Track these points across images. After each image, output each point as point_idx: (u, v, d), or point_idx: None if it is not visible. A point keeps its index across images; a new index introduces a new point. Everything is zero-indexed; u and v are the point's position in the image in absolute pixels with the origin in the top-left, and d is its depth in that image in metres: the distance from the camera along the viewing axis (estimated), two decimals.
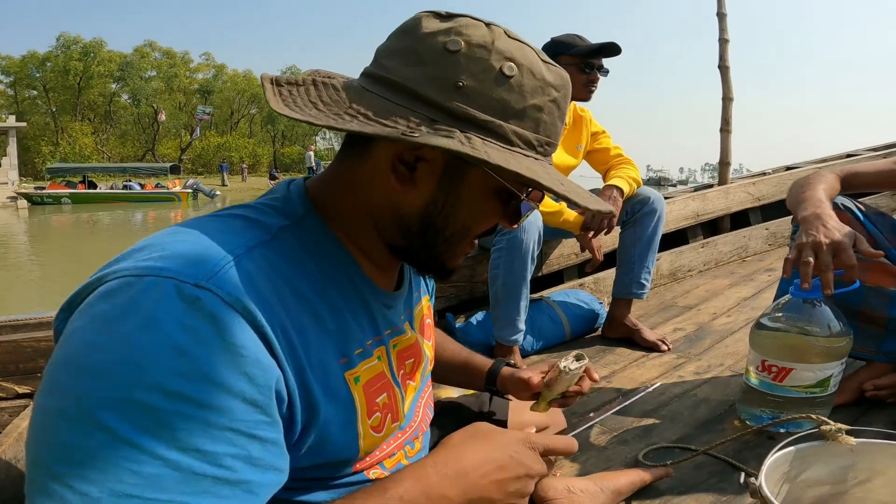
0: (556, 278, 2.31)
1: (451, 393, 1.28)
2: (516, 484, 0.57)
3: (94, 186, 23.80)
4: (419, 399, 0.73)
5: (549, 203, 1.78)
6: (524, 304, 1.70)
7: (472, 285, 2.01)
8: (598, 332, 2.02)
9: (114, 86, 45.54)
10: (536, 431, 0.65)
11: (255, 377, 0.45)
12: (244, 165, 37.67)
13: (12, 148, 23.74)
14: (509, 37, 0.56)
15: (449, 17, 0.56)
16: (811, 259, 1.04)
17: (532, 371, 0.92)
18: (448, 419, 0.86)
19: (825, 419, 0.77)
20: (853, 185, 1.34)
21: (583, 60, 1.79)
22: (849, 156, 3.58)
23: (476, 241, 0.63)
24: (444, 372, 0.99)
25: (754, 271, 2.68)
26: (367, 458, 0.62)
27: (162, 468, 0.41)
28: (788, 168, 3.42)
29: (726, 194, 2.91)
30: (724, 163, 3.07)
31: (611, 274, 2.07)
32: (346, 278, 0.59)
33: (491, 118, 0.54)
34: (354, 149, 0.59)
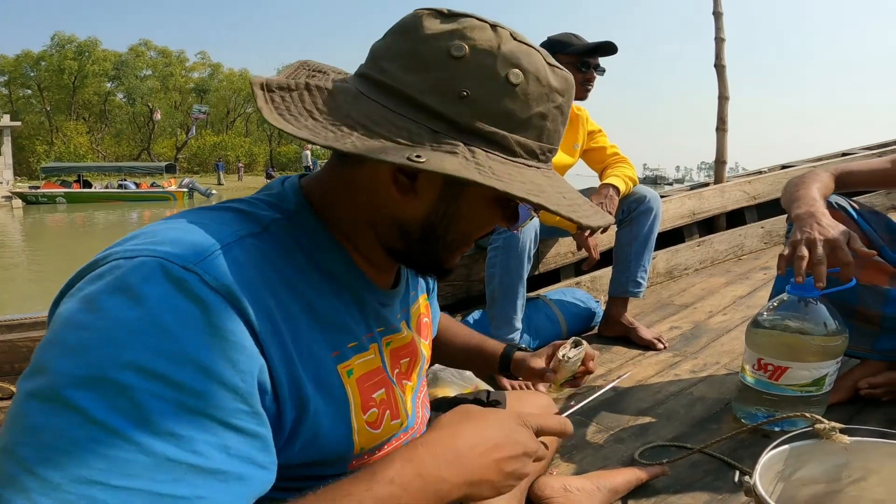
0: (553, 277, 2.31)
1: (448, 391, 1.28)
2: (514, 464, 0.55)
3: (89, 186, 23.70)
4: (416, 399, 0.73)
5: None
6: (521, 303, 1.70)
7: (468, 284, 2.01)
8: (595, 330, 2.02)
9: (109, 85, 45.43)
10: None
11: (238, 363, 0.44)
12: (240, 164, 37.55)
13: (7, 147, 23.64)
14: (516, 40, 0.53)
15: (452, 16, 0.53)
16: (805, 254, 1.05)
17: (539, 357, 0.94)
18: None
19: (819, 418, 0.78)
20: (848, 184, 1.34)
21: (579, 59, 1.79)
22: (844, 154, 3.60)
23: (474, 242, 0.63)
24: (456, 355, 1.00)
25: (750, 270, 2.68)
26: (367, 458, 0.60)
27: (133, 452, 0.39)
28: (784, 167, 3.43)
29: (722, 193, 2.92)
30: (720, 161, 3.08)
31: (607, 272, 2.07)
32: (340, 273, 0.58)
33: (495, 129, 0.52)
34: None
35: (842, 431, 0.76)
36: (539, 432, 0.58)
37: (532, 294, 1.99)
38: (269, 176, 32.13)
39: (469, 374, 1.32)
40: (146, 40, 47.76)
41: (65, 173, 25.15)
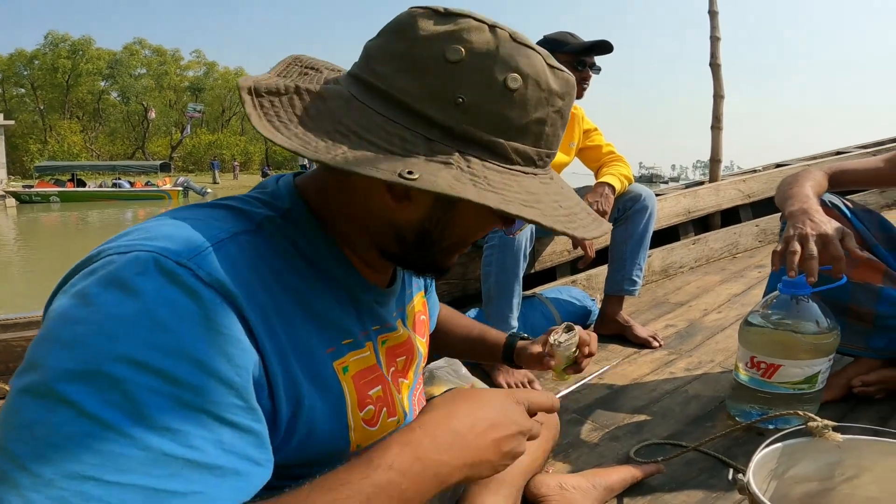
0: (549, 275, 2.32)
1: (444, 389, 1.28)
2: (511, 442, 0.55)
3: (83, 185, 23.60)
4: (413, 396, 0.73)
5: None
6: (517, 301, 1.70)
7: (464, 282, 2.01)
8: (591, 328, 2.03)
9: (103, 83, 45.26)
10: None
11: (233, 357, 0.44)
12: (236, 163, 37.45)
13: (0, 146, 23.47)
14: (515, 41, 0.51)
15: (448, 16, 0.51)
16: (797, 249, 1.06)
17: (537, 344, 0.96)
18: None
19: (812, 416, 0.78)
20: (841, 183, 1.35)
21: (575, 58, 1.79)
22: (838, 153, 3.61)
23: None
24: (458, 345, 1.01)
25: (744, 268, 2.69)
26: None
27: (128, 447, 0.38)
28: (778, 165, 3.44)
29: (717, 191, 2.93)
30: (714, 160, 3.09)
31: (603, 271, 2.07)
32: (335, 271, 0.58)
33: (492, 137, 0.51)
34: None
35: (835, 429, 0.76)
36: (530, 410, 0.58)
37: (528, 292, 2.00)
38: (264, 174, 32.05)
39: (465, 372, 1.32)
40: (140, 39, 47.65)
41: (59, 172, 25.04)
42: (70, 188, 22.50)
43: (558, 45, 1.79)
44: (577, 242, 1.81)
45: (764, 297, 1.26)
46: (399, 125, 0.50)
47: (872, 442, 0.79)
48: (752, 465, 0.72)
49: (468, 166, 0.49)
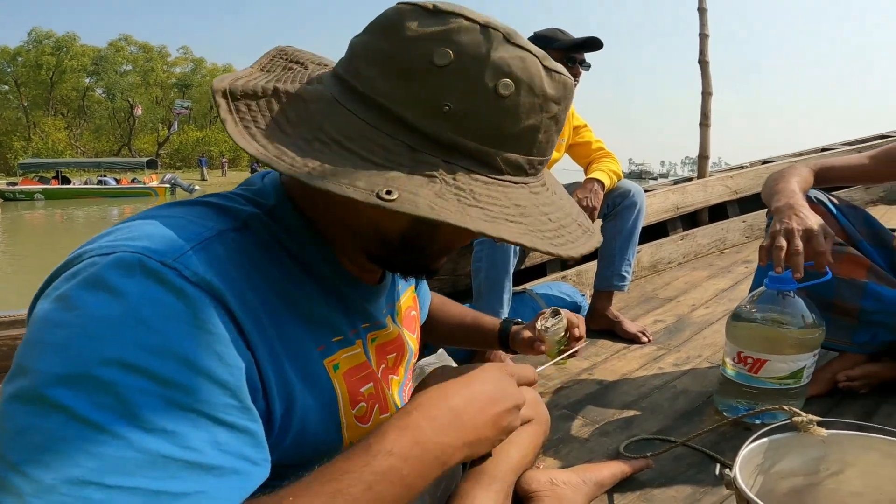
0: (539, 271, 2.32)
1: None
2: (508, 417, 0.54)
3: (68, 182, 23.33)
4: (402, 393, 0.73)
5: None
6: (507, 297, 1.71)
7: (454, 278, 2.01)
8: None
9: (87, 80, 44.65)
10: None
11: (224, 356, 0.43)
12: (224, 160, 37.10)
13: None
14: (509, 43, 0.48)
15: (437, 14, 0.48)
16: (783, 244, 1.07)
17: (529, 329, 0.98)
18: None
19: (797, 411, 0.79)
20: (827, 179, 1.36)
21: (565, 55, 1.80)
22: (824, 150, 3.65)
23: None
24: (453, 333, 1.01)
25: (732, 263, 2.72)
26: None
27: (125, 450, 0.38)
28: (765, 162, 3.48)
29: (705, 187, 2.95)
30: (702, 156, 3.11)
31: (593, 266, 2.08)
32: (322, 269, 0.57)
33: (480, 146, 0.48)
34: None
35: (819, 424, 0.77)
36: (517, 383, 0.58)
37: (518, 288, 2.00)
38: (253, 171, 31.66)
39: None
40: (126, 35, 47.11)
41: (43, 169, 24.69)
42: (55, 186, 22.23)
43: (548, 42, 1.79)
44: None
45: (750, 292, 1.27)
46: (382, 133, 0.47)
47: (856, 437, 0.79)
48: (738, 460, 0.73)
49: (453, 178, 0.47)
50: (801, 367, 1.17)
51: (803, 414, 0.78)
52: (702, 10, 2.96)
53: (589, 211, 1.75)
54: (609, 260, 1.93)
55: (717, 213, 3.06)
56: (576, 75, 1.83)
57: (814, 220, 1.10)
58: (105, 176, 24.74)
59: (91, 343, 0.39)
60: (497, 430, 0.53)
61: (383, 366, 0.67)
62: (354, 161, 0.45)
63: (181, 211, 0.52)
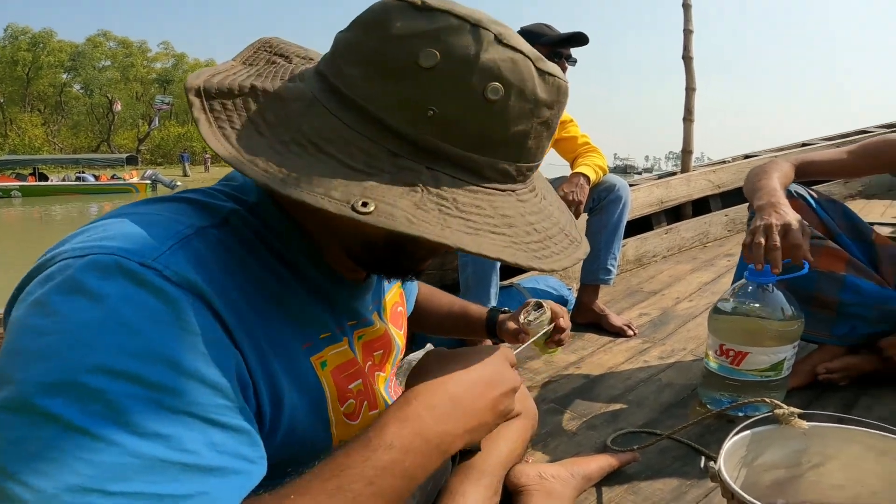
0: None
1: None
2: (506, 401, 0.53)
3: (46, 179, 22.85)
4: (389, 389, 0.73)
5: None
6: (494, 291, 1.71)
7: (442, 273, 2.01)
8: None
9: (65, 76, 43.76)
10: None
11: (211, 356, 0.42)
12: (207, 155, 36.58)
13: None
14: (501, 44, 0.45)
15: (426, 11, 0.45)
16: (762, 240, 1.09)
17: (513, 320, 0.99)
18: None
19: (779, 403, 0.80)
20: (807, 174, 1.38)
21: (551, 50, 1.80)
22: (804, 145, 3.71)
23: None
24: (442, 322, 1.02)
25: (714, 256, 2.76)
26: None
27: (122, 456, 0.37)
28: (747, 156, 3.52)
29: (688, 182, 2.99)
30: (686, 151, 3.14)
31: None
32: (305, 267, 0.56)
33: (465, 153, 0.46)
34: None
35: (800, 416, 0.78)
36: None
37: (505, 282, 2.01)
38: None
39: None
40: (105, 31, 46.20)
41: (20, 166, 24.15)
42: (32, 182, 21.76)
43: (535, 37, 1.80)
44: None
45: (732, 285, 1.29)
46: (363, 136, 0.45)
47: (836, 429, 0.81)
48: (722, 453, 0.74)
49: (436, 186, 0.45)
50: (781, 359, 1.19)
51: (785, 406, 0.79)
52: (686, 6, 2.99)
53: (575, 205, 1.76)
54: (595, 253, 1.94)
55: (700, 207, 3.10)
56: (562, 70, 1.84)
57: (792, 217, 1.12)
58: (83, 173, 24.29)
59: (74, 350, 0.39)
60: (495, 415, 0.52)
61: (370, 363, 0.66)
62: (333, 166, 0.43)
63: (158, 208, 0.50)
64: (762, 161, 1.49)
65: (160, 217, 0.47)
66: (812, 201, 1.37)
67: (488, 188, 0.47)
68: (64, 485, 0.36)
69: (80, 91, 44.97)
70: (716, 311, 1.25)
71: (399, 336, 0.76)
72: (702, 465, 0.75)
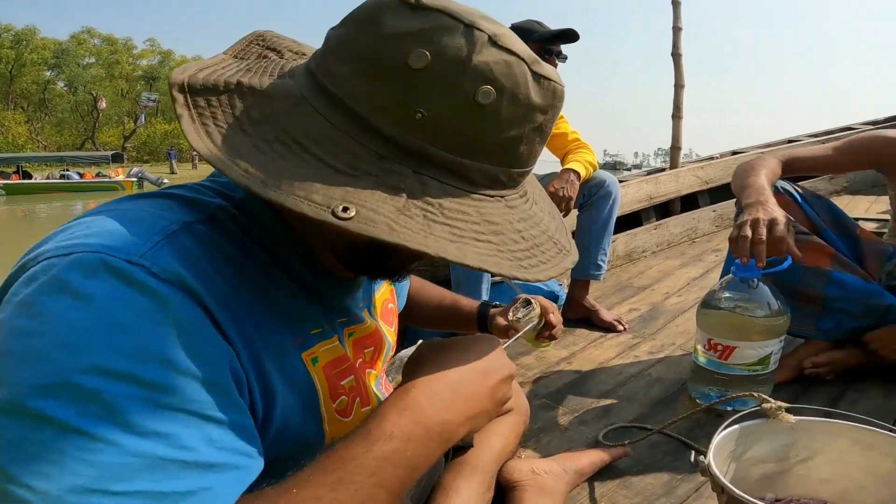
0: None
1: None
2: (503, 388, 0.53)
3: (29, 177, 22.58)
4: (379, 386, 0.72)
5: None
6: (485, 287, 1.72)
7: (433, 269, 2.01)
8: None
9: (48, 73, 43.12)
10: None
11: (204, 353, 0.42)
12: (194, 153, 36.22)
13: None
14: (495, 45, 0.44)
15: (419, 9, 0.43)
16: (748, 234, 1.10)
17: (503, 316, 0.99)
18: None
19: (766, 397, 0.81)
20: (794, 170, 1.40)
21: (541, 46, 1.81)
22: (790, 141, 3.75)
23: None
24: (432, 315, 1.02)
25: (703, 252, 2.78)
26: None
27: (121, 456, 0.37)
28: (734, 153, 3.56)
29: (677, 178, 3.01)
30: (675, 147, 3.16)
31: None
32: (294, 263, 0.55)
33: (454, 157, 0.45)
34: None
35: (788, 411, 0.79)
36: None
37: (497, 278, 2.01)
38: None
39: None
40: (89, 28, 45.65)
41: (3, 164, 23.79)
42: (16, 181, 21.47)
43: (525, 34, 1.80)
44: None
45: (720, 280, 1.30)
46: (349, 137, 0.44)
47: (823, 423, 0.82)
48: (712, 447, 0.75)
49: (422, 191, 0.44)
50: (768, 354, 1.20)
51: (772, 401, 0.80)
52: (675, 4, 3.00)
53: (565, 201, 1.77)
54: (585, 249, 1.96)
55: (689, 202, 3.12)
56: (553, 67, 1.84)
57: (779, 213, 1.14)
58: (68, 170, 23.96)
59: (67, 352, 0.38)
60: (494, 402, 0.52)
61: (360, 360, 0.65)
62: (316, 167, 0.42)
63: (142, 204, 0.49)
64: (749, 157, 1.50)
65: (145, 213, 0.46)
66: (798, 197, 1.39)
67: (476, 194, 0.46)
68: (67, 486, 0.36)
69: (64, 88, 44.37)
70: (704, 305, 1.26)
71: (390, 333, 0.75)
72: (692, 459, 0.76)
